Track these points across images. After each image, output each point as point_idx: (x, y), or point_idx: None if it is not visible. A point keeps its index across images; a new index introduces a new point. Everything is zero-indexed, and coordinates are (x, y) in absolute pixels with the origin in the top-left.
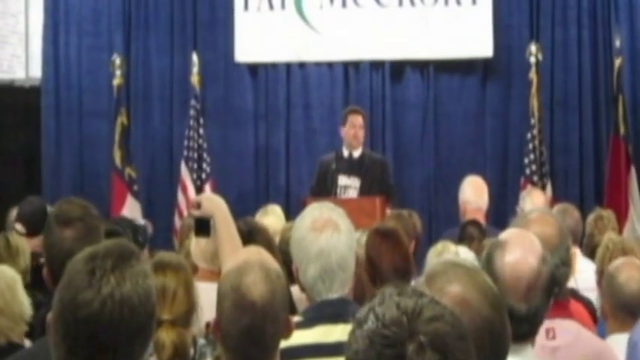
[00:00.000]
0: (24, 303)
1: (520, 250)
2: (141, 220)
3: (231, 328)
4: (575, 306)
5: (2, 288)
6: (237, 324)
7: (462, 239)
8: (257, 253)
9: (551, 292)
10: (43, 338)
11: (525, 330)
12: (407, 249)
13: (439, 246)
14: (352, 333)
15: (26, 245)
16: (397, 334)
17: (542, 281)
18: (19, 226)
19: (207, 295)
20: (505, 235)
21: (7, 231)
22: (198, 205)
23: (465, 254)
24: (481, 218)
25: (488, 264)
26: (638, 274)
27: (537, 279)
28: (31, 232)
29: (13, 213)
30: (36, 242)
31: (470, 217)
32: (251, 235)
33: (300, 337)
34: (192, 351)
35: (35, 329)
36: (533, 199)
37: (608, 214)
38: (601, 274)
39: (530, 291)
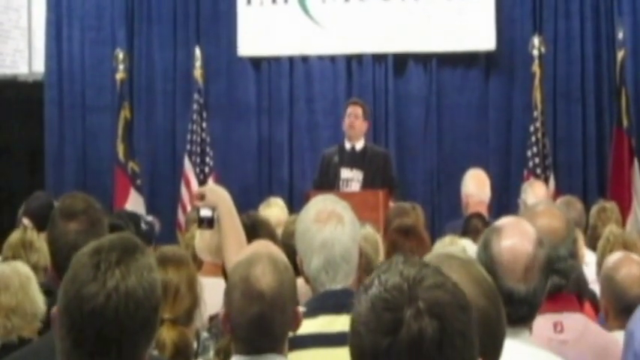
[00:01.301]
0: (37, 301)
1: (516, 235)
2: (148, 217)
3: (241, 318)
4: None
5: (15, 288)
6: (246, 314)
7: (466, 232)
8: (265, 246)
9: (548, 274)
10: (49, 333)
11: (524, 312)
12: (429, 245)
13: (447, 239)
14: (358, 296)
15: (44, 243)
16: (397, 299)
17: (539, 262)
18: (26, 221)
19: (212, 291)
20: (500, 222)
21: (17, 226)
22: (202, 197)
23: (469, 247)
24: (483, 211)
25: (486, 248)
26: (637, 271)
27: (534, 260)
28: (38, 227)
29: (20, 209)
30: (44, 237)
31: (472, 210)
32: (254, 228)
33: (304, 327)
34: (195, 345)
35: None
36: (535, 191)
37: (611, 205)
38: (600, 265)
39: (528, 271)
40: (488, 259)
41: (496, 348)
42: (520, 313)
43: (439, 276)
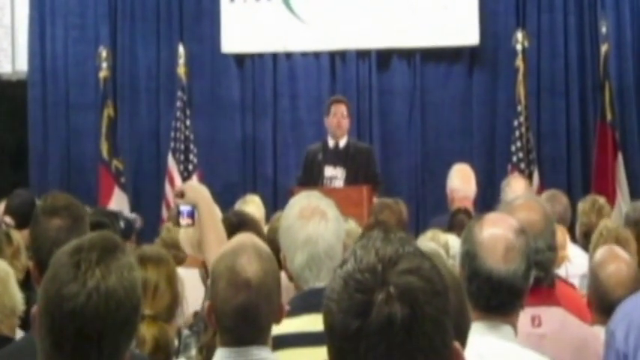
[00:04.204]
0: (16, 297)
1: (497, 223)
2: (130, 214)
3: (226, 307)
4: (569, 291)
5: None
6: (232, 302)
7: (451, 227)
8: (249, 237)
9: (531, 263)
10: (30, 332)
11: (504, 297)
12: None
13: (429, 234)
14: (334, 271)
15: (22, 242)
16: (369, 281)
17: (520, 246)
18: (7, 219)
19: (195, 281)
20: (483, 215)
21: None
22: (182, 194)
23: (454, 242)
24: (469, 206)
25: (468, 235)
26: (624, 269)
27: (514, 243)
28: (19, 225)
29: (1, 206)
30: (24, 234)
31: (457, 205)
32: (241, 225)
33: (286, 326)
34: (176, 343)
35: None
36: (513, 188)
37: (603, 202)
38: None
39: (508, 252)
40: (470, 244)
41: (459, 340)
42: (499, 297)
43: (416, 258)
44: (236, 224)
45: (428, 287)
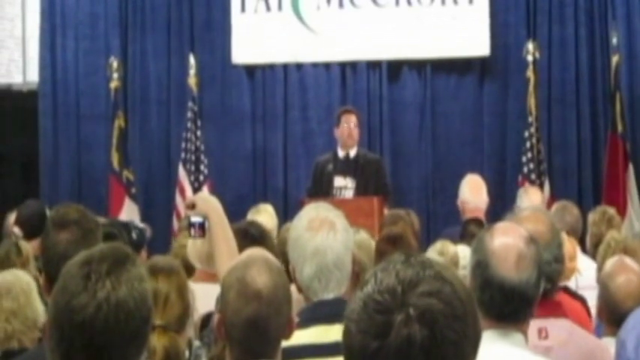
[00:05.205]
0: (38, 309)
1: (508, 232)
2: (139, 223)
3: (236, 319)
4: (572, 304)
5: (17, 292)
6: (242, 314)
7: (463, 237)
8: (259, 251)
9: (542, 271)
10: (42, 343)
11: (516, 305)
12: (417, 253)
13: (438, 245)
14: (355, 293)
15: (31, 254)
16: (388, 302)
17: (531, 255)
18: (16, 230)
19: (203, 295)
20: (493, 225)
21: (6, 235)
22: (193, 206)
23: (465, 253)
24: (480, 217)
25: (479, 244)
26: (635, 280)
27: (526, 252)
28: (28, 235)
29: (12, 217)
30: (34, 245)
31: (469, 216)
32: (262, 237)
33: (297, 338)
34: (187, 354)
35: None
36: (530, 197)
37: (613, 212)
38: (600, 271)
39: (520, 261)
40: (481, 253)
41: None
42: (512, 305)
43: (437, 281)
44: (257, 236)
45: (448, 310)
